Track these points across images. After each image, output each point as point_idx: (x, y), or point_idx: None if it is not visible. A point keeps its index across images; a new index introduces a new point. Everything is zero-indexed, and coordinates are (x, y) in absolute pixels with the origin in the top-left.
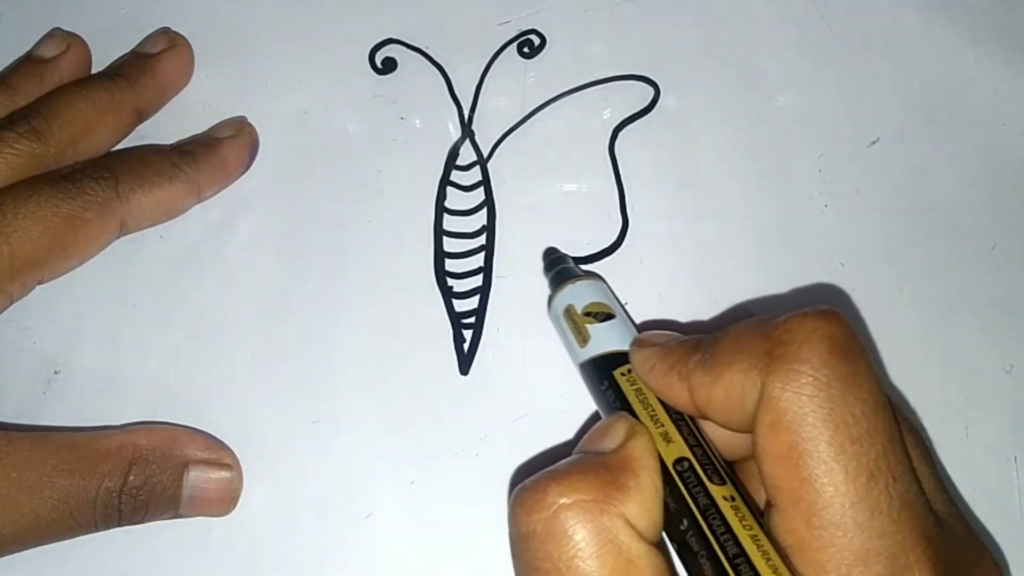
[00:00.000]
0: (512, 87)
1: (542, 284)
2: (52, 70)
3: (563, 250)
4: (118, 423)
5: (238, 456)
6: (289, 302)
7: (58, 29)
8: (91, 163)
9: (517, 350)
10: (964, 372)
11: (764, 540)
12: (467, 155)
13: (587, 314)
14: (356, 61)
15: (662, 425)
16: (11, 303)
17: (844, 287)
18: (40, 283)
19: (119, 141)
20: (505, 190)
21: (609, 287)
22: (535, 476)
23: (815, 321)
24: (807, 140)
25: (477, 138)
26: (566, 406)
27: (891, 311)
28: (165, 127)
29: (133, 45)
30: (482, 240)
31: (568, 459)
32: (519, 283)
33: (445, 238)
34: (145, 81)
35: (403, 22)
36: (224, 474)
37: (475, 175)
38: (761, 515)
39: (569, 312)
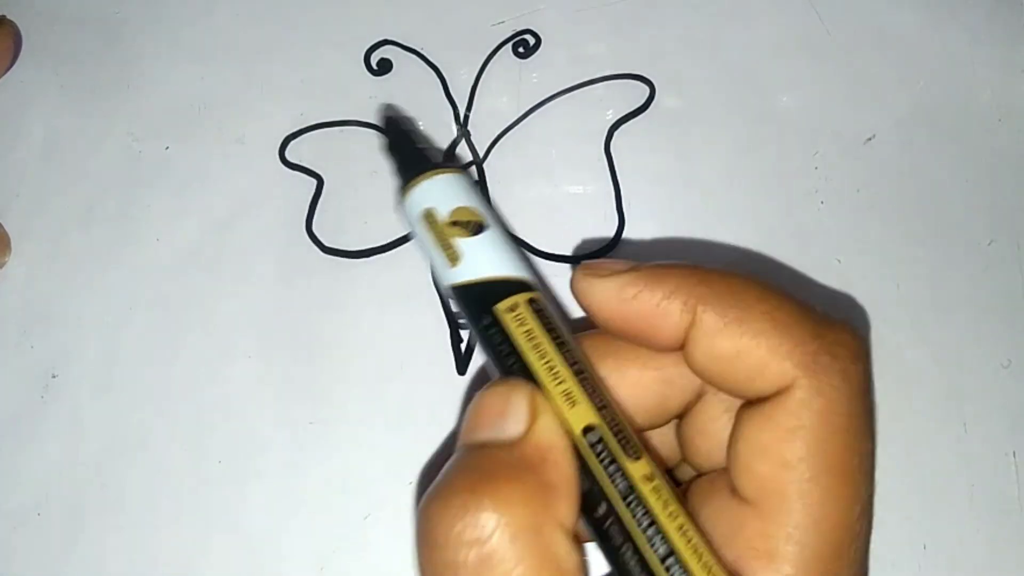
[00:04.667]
0: (507, 87)
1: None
2: None
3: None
4: (115, 426)
5: (237, 456)
6: (287, 303)
7: None
8: None
9: None
10: (962, 368)
11: (692, 532)
12: (463, 155)
13: (455, 223)
14: (352, 62)
15: (562, 381)
16: None
17: (841, 284)
18: None
19: None
20: (501, 190)
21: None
22: (447, 482)
23: (853, 339)
24: (803, 137)
25: (473, 138)
26: None
27: (888, 307)
28: (161, 129)
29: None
30: None
31: (475, 455)
32: None
33: None
34: None
35: (398, 23)
36: None
37: (471, 175)
38: (676, 487)
39: (430, 218)
